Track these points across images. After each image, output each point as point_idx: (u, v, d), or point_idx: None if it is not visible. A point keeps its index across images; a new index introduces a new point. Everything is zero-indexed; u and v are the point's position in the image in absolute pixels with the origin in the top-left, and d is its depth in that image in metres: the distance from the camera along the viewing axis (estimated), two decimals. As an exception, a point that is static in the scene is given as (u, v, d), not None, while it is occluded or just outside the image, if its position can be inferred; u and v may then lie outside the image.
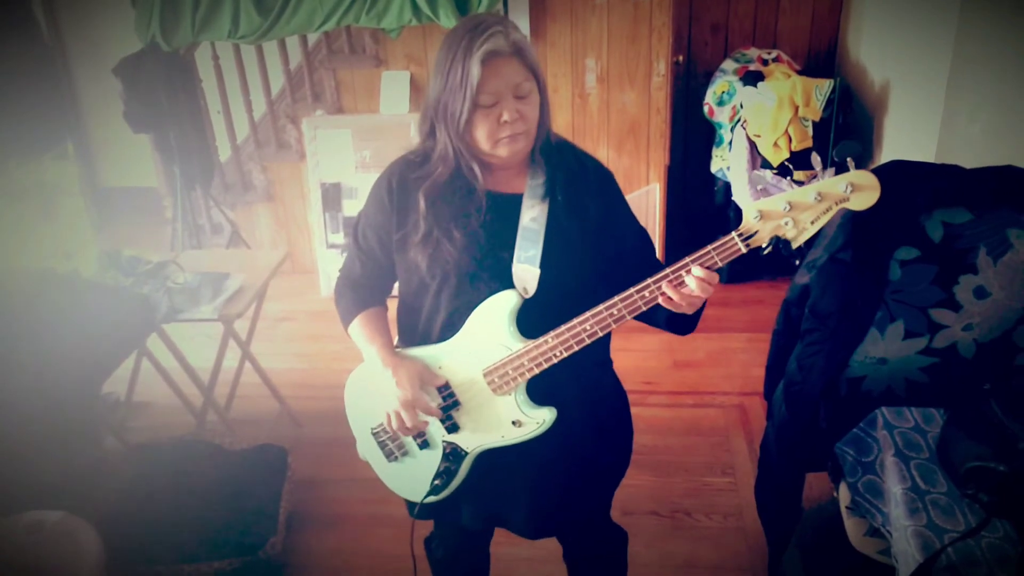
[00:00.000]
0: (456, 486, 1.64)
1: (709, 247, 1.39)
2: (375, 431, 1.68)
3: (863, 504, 1.83)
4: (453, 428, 1.60)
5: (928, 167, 1.85)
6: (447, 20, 3.43)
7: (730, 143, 3.78)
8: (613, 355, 1.73)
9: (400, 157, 1.61)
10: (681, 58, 4.13)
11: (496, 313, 1.51)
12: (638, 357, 3.48)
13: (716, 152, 3.97)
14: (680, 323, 1.54)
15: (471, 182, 1.53)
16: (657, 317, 1.53)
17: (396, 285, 1.70)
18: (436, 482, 1.63)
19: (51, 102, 4.75)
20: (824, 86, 3.46)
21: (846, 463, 1.90)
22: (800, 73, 3.75)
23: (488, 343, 1.53)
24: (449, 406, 1.59)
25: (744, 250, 1.38)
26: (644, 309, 1.44)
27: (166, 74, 3.70)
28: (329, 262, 4.12)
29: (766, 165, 3.60)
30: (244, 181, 4.28)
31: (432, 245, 1.53)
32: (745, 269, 4.04)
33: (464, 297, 1.54)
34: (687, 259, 1.40)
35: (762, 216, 1.36)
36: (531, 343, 1.50)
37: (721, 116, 3.86)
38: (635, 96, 3.78)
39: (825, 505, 2.37)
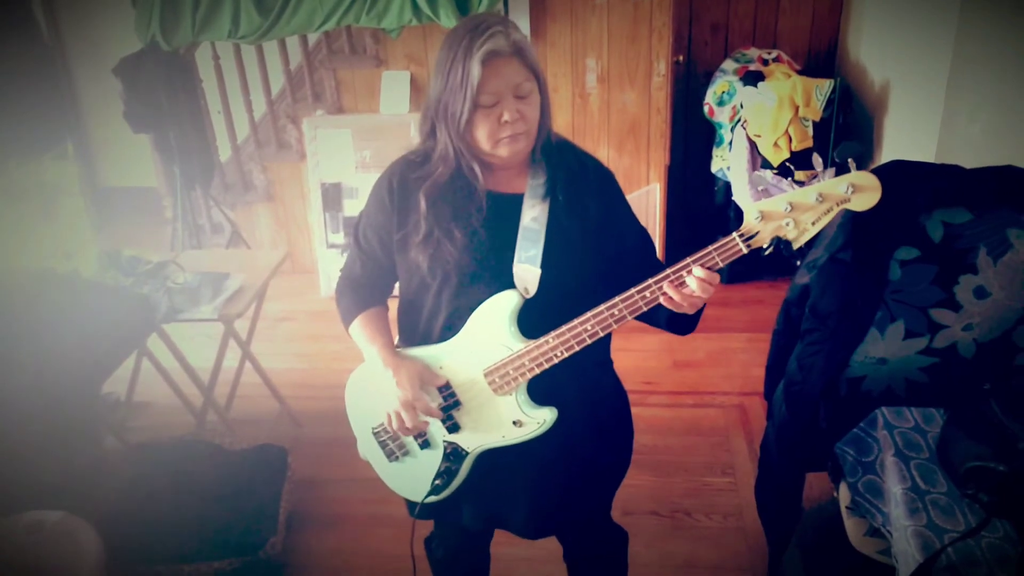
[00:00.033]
0: (457, 486, 1.64)
1: (710, 248, 1.39)
2: (376, 431, 1.68)
3: (863, 504, 1.83)
4: (454, 428, 1.60)
5: (928, 167, 1.85)
6: (447, 20, 3.44)
7: (730, 143, 3.78)
8: (613, 355, 1.73)
9: (401, 157, 1.61)
10: (681, 58, 4.13)
11: (497, 313, 1.52)
12: (638, 357, 3.48)
13: (716, 152, 3.97)
14: (681, 323, 1.54)
15: (472, 182, 1.53)
16: (658, 317, 1.53)
17: (397, 285, 1.71)
18: (437, 482, 1.63)
19: (51, 102, 4.75)
20: (824, 86, 3.47)
21: (846, 463, 1.90)
22: (800, 73, 3.75)
23: (489, 343, 1.53)
24: (450, 406, 1.59)
25: (745, 251, 1.38)
26: (645, 309, 1.44)
27: (166, 74, 3.70)
28: (329, 262, 4.12)
29: (766, 165, 3.60)
30: (244, 181, 4.28)
31: (433, 245, 1.53)
32: (745, 269, 4.04)
33: (465, 297, 1.54)
34: (688, 259, 1.40)
35: (763, 217, 1.36)
36: (532, 343, 1.50)
37: (721, 116, 3.86)
38: (635, 96, 3.78)
39: (825, 505, 2.37)
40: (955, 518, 1.60)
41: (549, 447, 1.60)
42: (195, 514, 2.54)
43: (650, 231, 1.69)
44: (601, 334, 1.47)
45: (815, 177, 3.53)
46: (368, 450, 1.73)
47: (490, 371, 1.54)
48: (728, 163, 3.83)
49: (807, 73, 3.78)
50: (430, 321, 1.61)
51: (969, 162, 1.88)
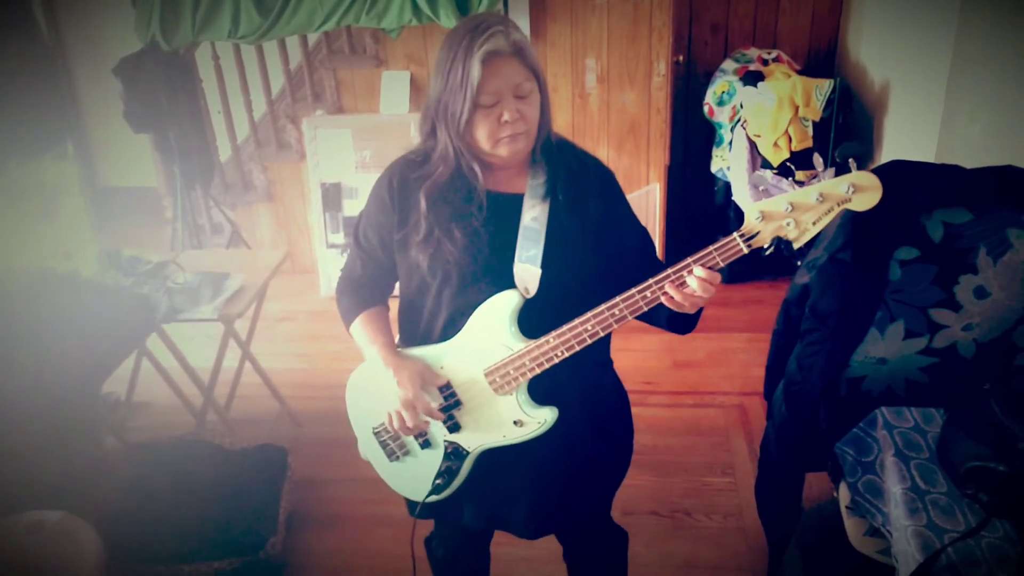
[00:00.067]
0: (458, 485, 1.65)
1: (711, 247, 1.39)
2: (376, 431, 1.68)
3: (863, 504, 1.83)
4: (455, 428, 1.60)
5: (928, 167, 1.85)
6: (447, 20, 3.44)
7: (730, 143, 3.78)
8: (613, 355, 1.73)
9: (401, 157, 1.61)
10: (681, 58, 4.13)
11: (497, 313, 1.52)
12: (638, 357, 3.49)
13: (716, 152, 3.97)
14: (681, 322, 1.54)
15: (472, 182, 1.53)
16: (658, 316, 1.53)
17: (397, 285, 1.71)
18: (438, 481, 1.63)
19: (51, 102, 4.75)
20: (824, 86, 3.47)
21: (846, 463, 1.90)
22: (800, 73, 3.75)
23: (489, 343, 1.53)
24: (451, 406, 1.59)
25: (746, 250, 1.38)
26: (646, 309, 1.44)
27: (166, 74, 3.70)
28: (329, 262, 4.12)
29: (766, 165, 3.60)
30: (244, 181, 4.28)
31: (433, 245, 1.53)
32: (745, 269, 4.04)
33: (465, 297, 1.54)
34: (689, 259, 1.40)
35: (764, 217, 1.36)
36: (532, 343, 1.50)
37: (721, 116, 3.86)
38: (635, 96, 3.78)
39: (825, 505, 2.37)
40: (955, 518, 1.60)
41: (549, 447, 1.60)
42: (195, 514, 2.54)
43: (650, 231, 1.69)
44: (602, 334, 1.47)
45: (815, 177, 3.53)
46: (369, 450, 1.73)
47: (491, 371, 1.54)
48: (728, 163, 3.83)
49: (807, 73, 3.78)
50: (431, 321, 1.61)
51: (969, 162, 1.88)
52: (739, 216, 3.76)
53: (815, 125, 3.49)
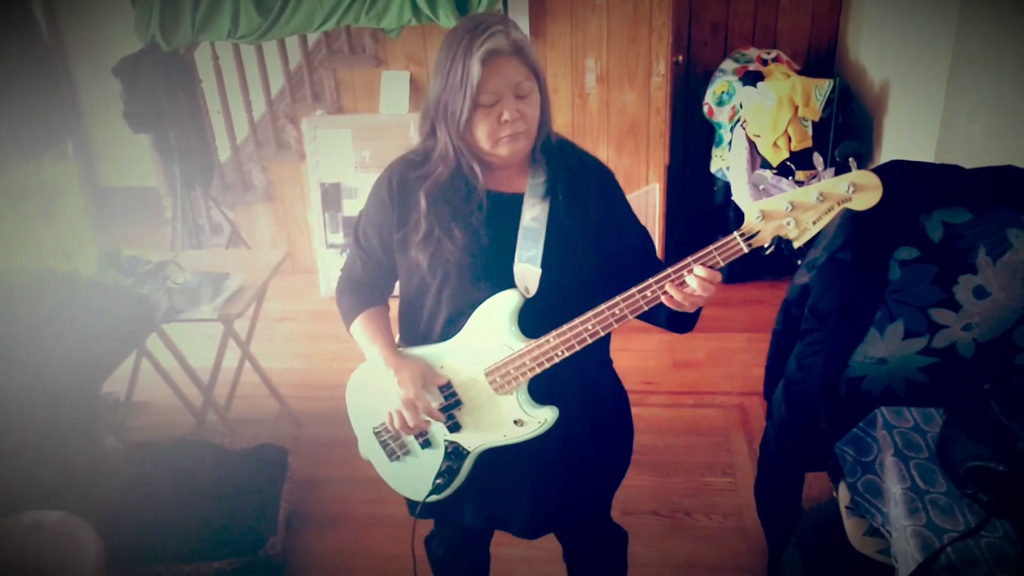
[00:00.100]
0: (458, 485, 1.65)
1: (711, 247, 1.39)
2: (377, 430, 1.68)
3: (863, 504, 1.83)
4: (455, 427, 1.60)
5: (928, 167, 1.85)
6: (447, 20, 3.44)
7: (730, 143, 3.78)
8: (613, 355, 1.74)
9: (400, 156, 1.61)
10: (681, 58, 4.13)
11: (497, 312, 1.52)
12: (638, 357, 3.49)
13: (716, 152, 3.98)
14: (681, 321, 1.54)
15: (472, 181, 1.53)
16: (658, 316, 1.53)
17: (397, 284, 1.71)
18: (438, 481, 1.63)
19: (51, 102, 4.75)
20: (824, 86, 3.47)
21: (846, 463, 1.90)
22: (800, 73, 3.75)
23: (490, 342, 1.53)
24: (451, 405, 1.59)
25: (746, 250, 1.38)
26: (646, 308, 1.44)
27: (166, 74, 3.70)
28: (329, 262, 4.12)
29: (766, 165, 3.60)
30: (244, 181, 4.28)
31: (433, 244, 1.53)
32: (745, 269, 4.04)
33: (465, 297, 1.54)
34: (689, 259, 1.40)
35: (764, 216, 1.36)
36: (533, 342, 1.50)
37: (721, 116, 3.86)
38: (635, 96, 3.78)
39: (825, 505, 2.37)
40: (955, 518, 1.60)
41: (549, 447, 1.60)
42: (195, 514, 2.54)
43: (650, 231, 1.69)
44: (602, 333, 1.47)
45: (815, 177, 3.53)
46: (369, 450, 1.73)
47: (491, 370, 1.54)
48: (727, 163, 3.83)
49: (806, 73, 3.78)
50: (431, 320, 1.61)
51: (969, 162, 1.88)
52: (739, 216, 3.76)
53: (815, 125, 3.49)
